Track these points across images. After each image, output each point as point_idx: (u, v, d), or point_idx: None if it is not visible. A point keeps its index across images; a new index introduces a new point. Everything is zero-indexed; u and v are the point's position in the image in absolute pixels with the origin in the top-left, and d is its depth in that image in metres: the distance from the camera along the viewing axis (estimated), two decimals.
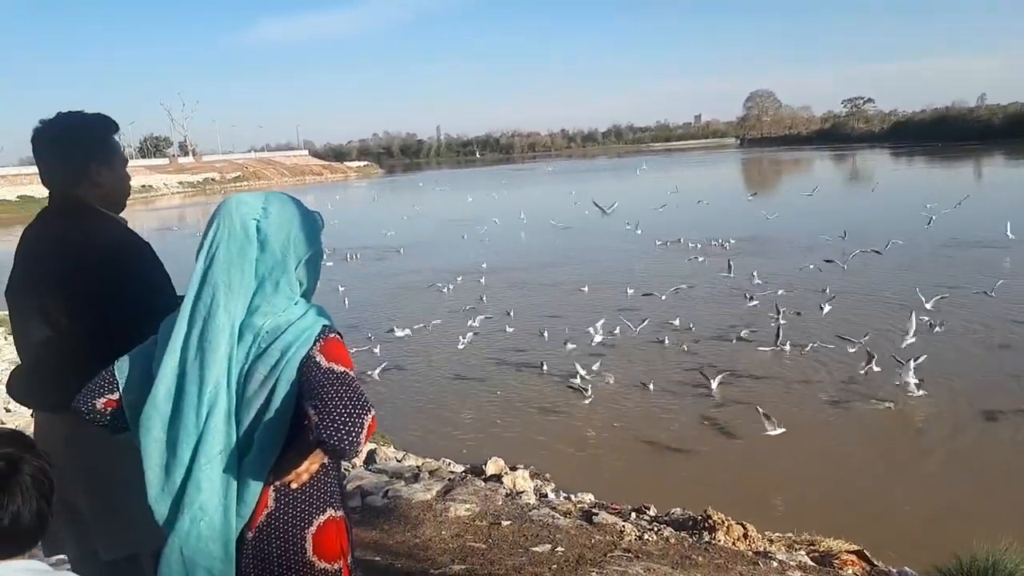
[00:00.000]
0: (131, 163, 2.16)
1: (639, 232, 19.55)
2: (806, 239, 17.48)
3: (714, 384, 8.34)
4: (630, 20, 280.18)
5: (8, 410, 6.94)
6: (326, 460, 1.41)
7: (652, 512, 4.74)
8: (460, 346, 10.30)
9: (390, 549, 3.64)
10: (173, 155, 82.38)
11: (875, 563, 4.03)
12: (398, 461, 5.87)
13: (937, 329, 9.58)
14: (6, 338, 10.85)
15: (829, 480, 6.39)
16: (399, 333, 11.22)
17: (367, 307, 13.87)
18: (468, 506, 4.20)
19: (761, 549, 4.01)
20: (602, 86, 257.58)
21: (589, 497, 5.15)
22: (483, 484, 4.78)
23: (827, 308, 10.66)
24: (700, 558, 3.61)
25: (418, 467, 5.47)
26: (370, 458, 5.80)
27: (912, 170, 44.01)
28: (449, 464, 5.98)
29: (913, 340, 8.64)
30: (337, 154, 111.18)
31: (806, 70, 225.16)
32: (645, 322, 10.48)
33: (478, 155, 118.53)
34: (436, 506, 4.24)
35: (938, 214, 18.23)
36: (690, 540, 3.91)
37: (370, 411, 1.29)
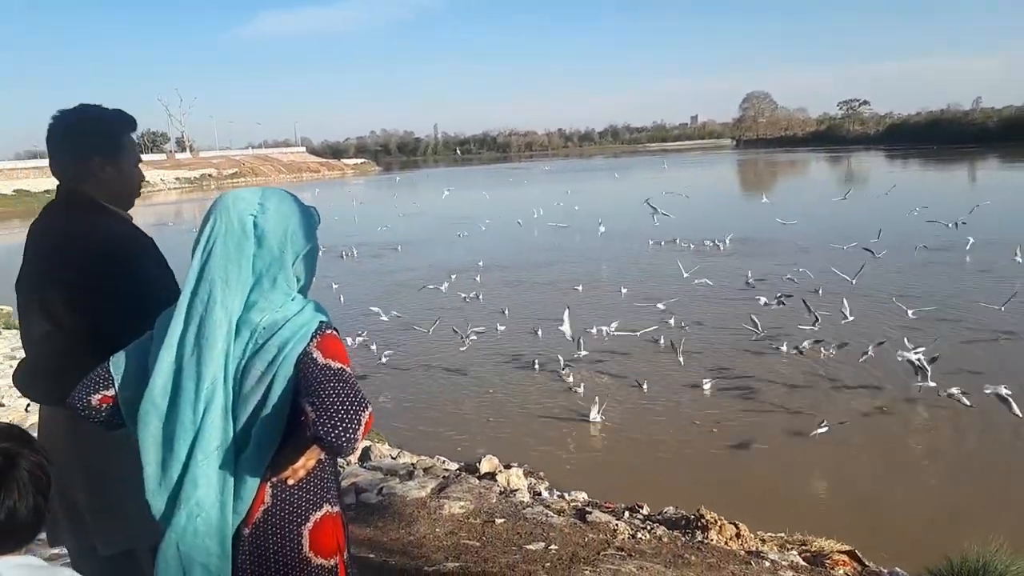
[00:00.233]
0: None
1: (656, 224, 18.17)
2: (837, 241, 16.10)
3: (707, 384, 8.42)
4: (630, 20, 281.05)
5: (1, 404, 6.92)
6: (323, 456, 1.41)
7: (645, 511, 4.77)
8: (463, 348, 10.30)
9: (384, 546, 3.65)
10: (170, 151, 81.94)
11: (866, 563, 4.06)
12: (393, 458, 5.87)
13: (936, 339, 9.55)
14: (1, 333, 10.81)
15: (824, 481, 6.42)
16: (384, 317, 11.67)
17: (362, 303, 13.84)
18: (462, 504, 4.21)
19: (753, 549, 4.04)
20: (601, 86, 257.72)
21: (583, 496, 5.17)
22: (477, 482, 4.80)
23: (849, 314, 10.07)
24: (693, 557, 3.62)
25: (413, 465, 5.48)
26: (365, 455, 5.81)
27: (911, 171, 43.97)
28: (443, 462, 5.99)
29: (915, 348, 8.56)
30: (334, 151, 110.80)
31: (804, 70, 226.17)
32: (643, 329, 10.46)
33: (474, 150, 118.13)
34: (430, 503, 4.25)
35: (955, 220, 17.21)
36: (683, 539, 3.93)
37: (367, 407, 1.29)
